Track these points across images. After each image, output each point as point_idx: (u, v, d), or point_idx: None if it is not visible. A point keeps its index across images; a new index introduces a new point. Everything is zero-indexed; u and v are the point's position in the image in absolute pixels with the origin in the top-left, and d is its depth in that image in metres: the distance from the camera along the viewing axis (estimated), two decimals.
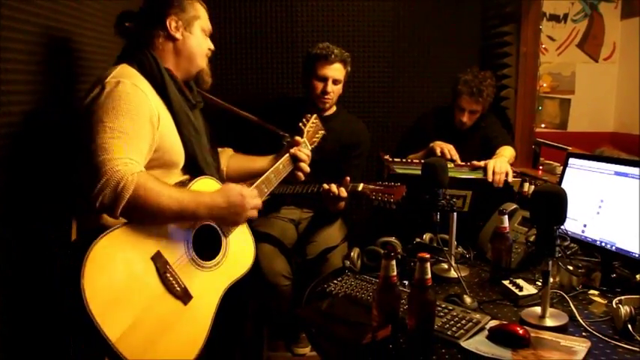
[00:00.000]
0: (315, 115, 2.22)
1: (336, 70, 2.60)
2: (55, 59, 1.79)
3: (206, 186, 1.68)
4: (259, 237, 2.52)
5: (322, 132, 2.24)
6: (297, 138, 2.06)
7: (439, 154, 2.59)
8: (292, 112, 2.56)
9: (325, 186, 2.25)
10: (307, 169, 2.05)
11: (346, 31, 3.27)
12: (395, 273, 1.37)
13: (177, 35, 1.70)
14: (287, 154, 2.01)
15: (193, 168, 1.72)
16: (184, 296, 1.52)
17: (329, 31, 3.24)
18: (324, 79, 2.59)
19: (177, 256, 1.54)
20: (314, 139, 2.18)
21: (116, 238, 1.40)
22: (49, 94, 1.75)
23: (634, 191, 1.73)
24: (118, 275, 1.38)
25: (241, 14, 3.24)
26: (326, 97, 2.60)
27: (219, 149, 2.05)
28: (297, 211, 2.71)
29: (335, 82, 2.61)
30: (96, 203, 1.38)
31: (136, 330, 1.38)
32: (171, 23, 1.69)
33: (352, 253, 1.96)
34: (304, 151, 2.05)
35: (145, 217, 1.46)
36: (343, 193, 2.22)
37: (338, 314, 1.58)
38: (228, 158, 2.07)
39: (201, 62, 1.79)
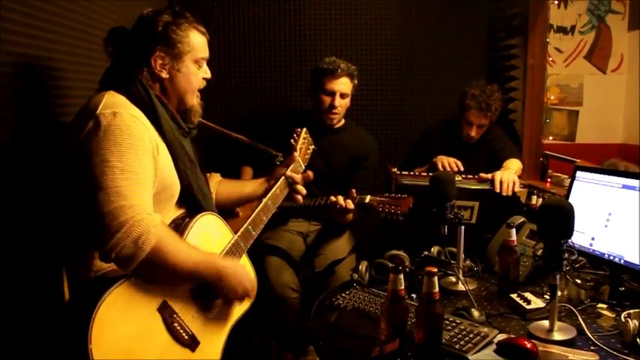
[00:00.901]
0: (304, 130, 2.19)
1: (343, 84, 2.61)
2: (32, 80, 1.67)
3: (208, 224, 1.61)
4: (267, 250, 2.53)
5: (312, 147, 2.20)
6: (294, 156, 2.02)
7: (441, 168, 2.59)
8: (299, 126, 2.59)
9: (332, 198, 2.26)
10: (304, 191, 1.99)
11: (354, 44, 3.30)
12: (403, 286, 1.38)
13: (163, 75, 1.56)
14: (281, 179, 1.94)
15: (189, 200, 1.63)
16: (192, 343, 1.48)
17: (336, 45, 3.27)
18: (332, 94, 2.61)
19: (183, 302, 1.48)
20: (306, 156, 2.14)
21: (122, 293, 1.32)
22: (27, 119, 1.64)
23: None
24: (126, 334, 1.30)
25: (248, 25, 3.28)
26: (334, 111, 2.62)
27: (207, 174, 1.95)
28: (305, 223, 2.73)
29: (342, 95, 2.62)
30: (111, 254, 1.28)
31: None
32: (157, 60, 1.54)
33: (360, 267, 1.97)
34: (299, 170, 2.00)
35: (157, 274, 1.37)
36: (350, 205, 2.23)
37: (346, 327, 1.59)
38: (217, 184, 1.97)
39: (191, 100, 1.65)
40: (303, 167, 2.06)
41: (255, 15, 3.26)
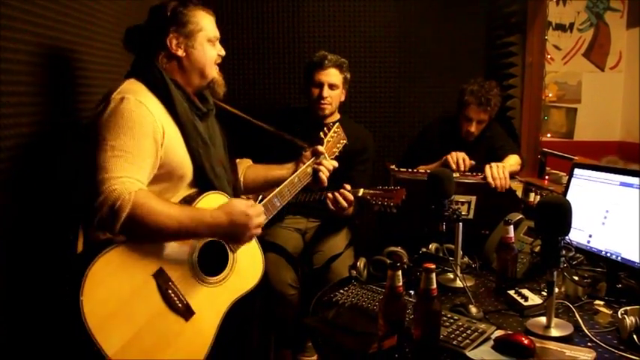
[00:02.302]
0: (337, 124, 2.21)
1: (331, 75, 2.63)
2: (61, 70, 1.79)
3: (214, 202, 1.65)
4: (266, 246, 2.53)
5: (344, 141, 2.21)
6: (319, 148, 2.04)
7: (452, 164, 2.58)
8: (296, 122, 2.60)
9: (330, 195, 2.26)
10: (326, 182, 2.02)
11: (352, 42, 3.30)
12: (401, 283, 1.39)
13: (180, 53, 1.67)
14: (304, 167, 1.97)
15: (202, 180, 1.69)
16: (186, 312, 1.53)
17: (335, 43, 3.28)
18: (320, 85, 2.63)
19: (180, 272, 1.54)
20: (334, 150, 2.15)
21: (118, 255, 1.42)
22: (56, 105, 1.76)
23: (639, 202, 1.74)
24: (117, 291, 1.40)
25: (248, 24, 3.29)
26: (322, 101, 2.63)
27: (238, 160, 2.04)
28: (304, 220, 2.73)
29: (331, 86, 2.64)
30: (94, 221, 1.41)
31: (134, 345, 1.40)
32: (172, 41, 1.65)
33: (358, 263, 1.97)
34: (325, 164, 2.01)
35: (143, 235, 1.46)
36: (349, 196, 2.23)
37: (344, 324, 1.59)
38: (246, 169, 2.04)
39: (211, 72, 1.74)
40: (328, 159, 2.06)
41: (253, 13, 3.27)
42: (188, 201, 1.63)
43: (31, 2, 1.59)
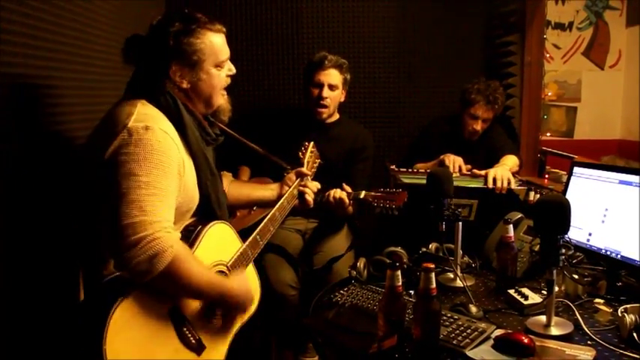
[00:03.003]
0: (312, 144, 2.25)
1: (331, 76, 2.63)
2: (58, 77, 1.77)
3: (220, 233, 1.64)
4: (266, 247, 2.52)
5: (319, 161, 2.26)
6: (303, 170, 2.07)
7: (449, 165, 2.59)
8: (294, 124, 2.60)
9: (331, 198, 2.27)
10: (312, 203, 2.05)
11: (351, 42, 3.29)
12: (400, 283, 1.39)
13: (184, 85, 1.56)
14: (290, 190, 2.00)
15: (204, 210, 1.64)
16: (198, 348, 1.50)
17: (334, 43, 3.26)
18: (320, 85, 2.63)
19: (192, 308, 1.51)
20: (313, 170, 2.20)
21: (137, 298, 1.35)
22: (52, 115, 1.73)
23: (638, 200, 1.74)
24: (139, 336, 1.35)
25: (246, 24, 3.27)
26: (322, 102, 2.63)
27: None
28: (304, 221, 2.73)
29: (331, 87, 2.63)
30: (126, 267, 1.31)
31: None
32: (176, 74, 1.54)
33: (358, 263, 1.97)
34: (310, 185, 2.05)
35: (168, 288, 1.41)
36: (343, 195, 2.25)
37: (344, 324, 1.60)
38: (229, 185, 2.01)
39: (217, 100, 1.66)
40: (310, 179, 2.11)
41: (253, 16, 3.26)
42: (191, 231, 1.56)
43: (30, 6, 1.59)
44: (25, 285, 1.53)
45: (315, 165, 2.23)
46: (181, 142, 1.51)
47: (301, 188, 2.04)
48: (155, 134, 1.40)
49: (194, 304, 1.51)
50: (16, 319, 1.49)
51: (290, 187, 2.02)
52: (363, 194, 2.22)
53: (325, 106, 2.65)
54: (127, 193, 1.33)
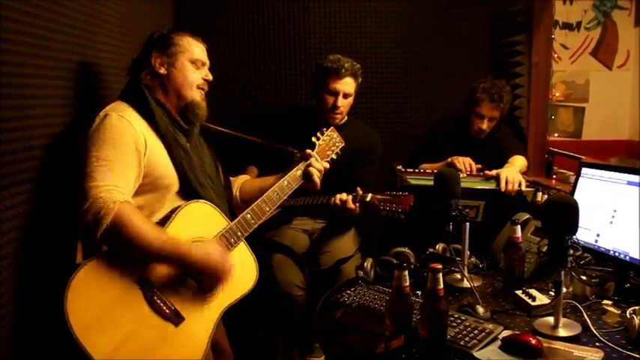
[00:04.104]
0: (332, 128, 2.18)
1: (346, 85, 2.60)
2: (66, 74, 1.82)
3: (196, 211, 1.69)
4: (273, 247, 2.55)
5: (341, 144, 2.17)
6: (308, 151, 2.04)
7: (459, 166, 2.59)
8: (304, 123, 2.59)
9: (337, 201, 2.27)
10: (318, 183, 2.01)
11: (358, 42, 3.30)
12: (408, 283, 1.39)
13: (162, 71, 1.75)
14: (293, 170, 1.97)
15: (188, 191, 1.73)
16: (174, 318, 1.56)
17: (341, 42, 3.27)
18: (335, 94, 2.60)
19: (167, 278, 1.58)
20: (328, 152, 2.12)
21: (100, 264, 1.48)
22: (61, 107, 1.78)
23: None
24: (99, 299, 1.45)
25: (254, 24, 3.28)
26: (336, 111, 2.62)
27: (234, 178, 2.07)
28: (311, 221, 2.73)
29: (345, 95, 2.62)
30: (81, 227, 1.47)
31: (121, 352, 1.45)
32: (156, 60, 1.75)
33: (365, 264, 1.97)
34: (316, 165, 2.01)
35: (122, 247, 1.51)
36: (350, 203, 2.25)
37: (351, 324, 1.60)
38: (242, 183, 2.06)
39: (190, 94, 1.78)
40: (320, 162, 2.05)
41: (260, 15, 3.27)
42: (172, 211, 1.66)
43: (34, 5, 1.59)
44: (26, 261, 1.55)
45: (333, 149, 2.14)
46: (149, 127, 1.67)
47: (306, 168, 2.00)
48: (111, 119, 1.59)
49: (164, 274, 1.58)
50: (21, 288, 1.53)
51: (294, 169, 1.99)
52: (369, 197, 2.22)
53: (339, 114, 2.64)
54: (84, 166, 1.52)
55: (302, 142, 2.13)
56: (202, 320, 1.63)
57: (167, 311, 1.55)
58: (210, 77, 1.84)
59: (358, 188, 2.28)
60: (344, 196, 2.25)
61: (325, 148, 2.12)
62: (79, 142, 1.62)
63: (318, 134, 2.13)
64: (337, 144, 2.17)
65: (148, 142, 1.63)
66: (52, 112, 1.70)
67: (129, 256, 1.52)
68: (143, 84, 1.74)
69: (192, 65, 1.79)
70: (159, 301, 1.54)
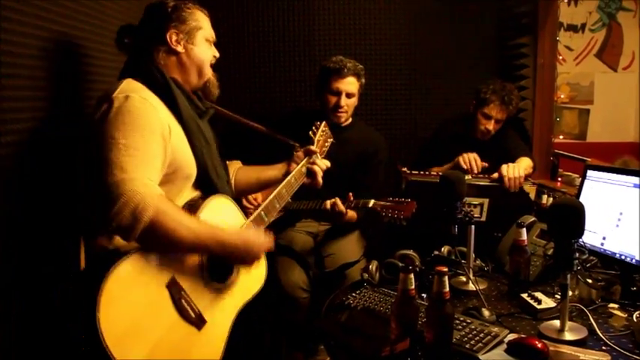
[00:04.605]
0: (324, 123, 2.21)
1: (349, 84, 2.62)
2: (62, 68, 1.75)
3: (220, 206, 1.64)
4: (278, 249, 2.54)
5: (331, 140, 2.22)
6: (311, 148, 2.05)
7: (463, 164, 2.58)
8: (307, 125, 2.59)
9: (327, 204, 2.28)
10: (321, 181, 2.02)
11: (363, 44, 3.29)
12: (413, 286, 1.39)
13: (179, 49, 1.65)
14: (299, 167, 1.98)
15: (204, 181, 1.66)
16: (198, 321, 1.50)
17: (346, 44, 3.27)
18: (338, 93, 2.61)
19: (192, 280, 1.51)
20: (324, 149, 2.17)
21: (131, 267, 1.36)
22: (56, 105, 1.71)
23: None
24: (133, 306, 1.35)
25: (258, 26, 3.28)
26: (340, 110, 2.63)
27: (228, 162, 2.00)
28: (315, 224, 2.73)
29: (349, 95, 2.63)
30: (112, 225, 1.32)
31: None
32: (172, 37, 1.63)
33: (370, 266, 1.97)
34: (319, 163, 2.02)
35: (159, 244, 1.41)
36: (341, 207, 2.28)
37: (356, 327, 1.59)
38: (236, 171, 2.02)
39: (208, 72, 1.74)
40: (323, 161, 2.07)
41: (264, 14, 3.27)
42: (192, 205, 1.58)
43: (41, 7, 1.59)
44: (27, 257, 1.53)
45: (326, 144, 2.19)
46: (169, 111, 1.56)
47: (310, 166, 2.01)
48: (134, 101, 1.45)
49: (193, 275, 1.51)
50: (17, 291, 1.49)
51: (298, 165, 2.00)
52: (371, 203, 2.22)
53: (343, 113, 2.65)
54: (108, 156, 1.37)
55: (304, 144, 2.14)
56: (221, 321, 1.60)
57: (193, 315, 1.48)
58: (217, 54, 1.77)
59: (350, 194, 2.29)
60: (334, 200, 2.28)
61: (322, 144, 2.15)
62: (74, 129, 1.53)
63: (314, 129, 2.15)
64: (329, 139, 2.21)
65: (172, 128, 1.53)
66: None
67: (163, 252, 1.43)
68: (156, 62, 1.63)
69: (207, 43, 1.72)
70: (186, 305, 1.46)
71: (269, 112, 3.25)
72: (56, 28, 1.70)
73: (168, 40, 1.63)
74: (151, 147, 1.44)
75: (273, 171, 2.03)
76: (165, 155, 1.49)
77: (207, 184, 1.67)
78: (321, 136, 2.16)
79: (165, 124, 1.51)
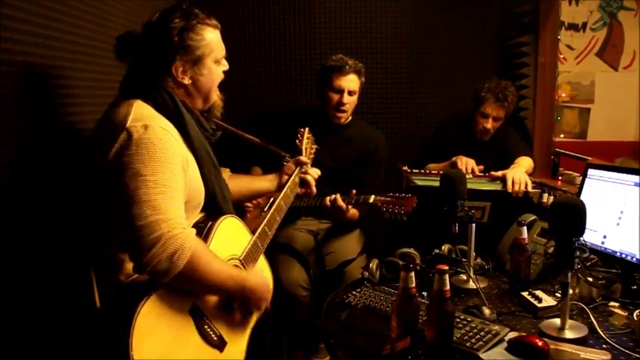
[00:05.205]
0: (307, 129, 2.24)
1: (351, 81, 2.62)
2: (46, 84, 1.65)
3: (231, 227, 1.64)
4: (278, 248, 2.54)
5: (315, 146, 2.26)
6: (301, 158, 2.07)
7: (461, 167, 2.58)
8: (307, 124, 2.60)
9: (328, 202, 2.28)
10: (315, 190, 2.06)
11: (364, 43, 3.30)
12: (414, 284, 1.39)
13: (186, 81, 1.55)
14: (292, 178, 1.99)
15: (210, 205, 1.63)
16: (220, 344, 1.50)
17: (346, 43, 3.27)
18: (340, 91, 2.62)
19: (211, 303, 1.50)
20: (311, 155, 2.20)
21: (157, 301, 1.33)
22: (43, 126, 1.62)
23: None
24: (163, 339, 1.33)
25: (257, 25, 3.29)
26: (342, 108, 2.63)
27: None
28: (316, 222, 2.73)
29: (350, 93, 2.63)
30: (147, 268, 1.29)
31: None
32: (178, 69, 1.53)
33: (371, 264, 1.97)
34: (311, 172, 2.05)
35: (189, 286, 1.40)
36: (341, 204, 2.28)
37: (357, 325, 1.60)
38: (227, 180, 1.97)
39: (213, 96, 1.67)
40: (314, 170, 2.10)
41: (263, 14, 3.27)
42: (202, 227, 1.54)
43: (44, 6, 1.58)
44: (37, 292, 1.51)
45: (312, 151, 2.22)
46: (181, 138, 1.51)
47: (302, 175, 2.03)
48: (155, 132, 1.39)
49: (213, 300, 1.50)
50: (31, 329, 1.48)
51: (289, 176, 2.01)
52: (372, 198, 2.22)
53: (345, 111, 2.65)
54: (137, 194, 1.32)
55: (294, 155, 2.15)
56: (238, 340, 1.60)
57: (215, 338, 1.48)
58: (227, 67, 1.66)
59: (353, 191, 2.29)
60: (334, 196, 2.28)
61: (309, 152, 2.18)
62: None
63: (299, 137, 2.18)
64: (313, 146, 2.24)
65: (188, 159, 1.50)
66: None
67: (189, 290, 1.42)
68: (166, 86, 1.54)
69: (216, 64, 1.61)
70: (208, 330, 1.46)
71: (269, 112, 3.25)
72: (57, 27, 1.69)
73: (174, 72, 1.53)
74: (178, 182, 1.41)
75: (264, 182, 2.04)
76: (185, 189, 1.46)
77: (213, 208, 1.65)
78: (307, 143, 2.19)
79: (184, 155, 1.48)
